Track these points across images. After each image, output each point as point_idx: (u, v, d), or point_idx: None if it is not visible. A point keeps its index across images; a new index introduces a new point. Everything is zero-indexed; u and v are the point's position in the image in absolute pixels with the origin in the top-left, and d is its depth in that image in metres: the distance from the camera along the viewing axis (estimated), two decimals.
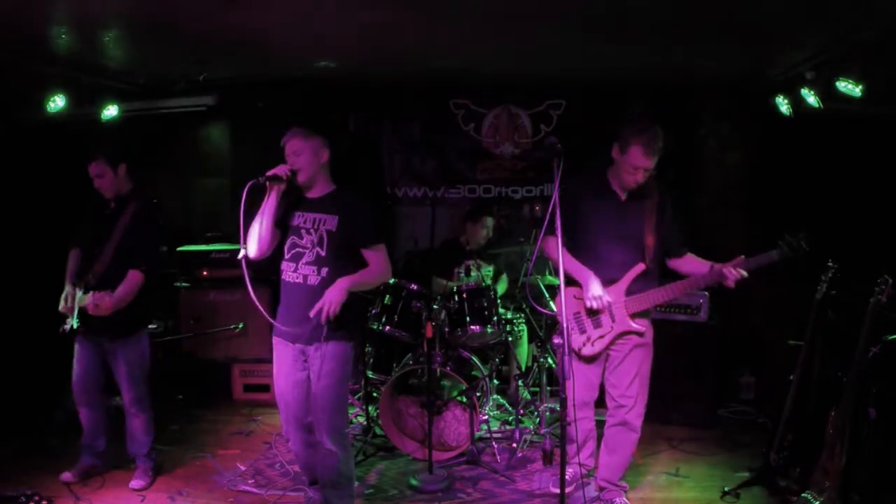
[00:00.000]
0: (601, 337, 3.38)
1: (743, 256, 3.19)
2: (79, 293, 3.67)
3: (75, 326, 3.65)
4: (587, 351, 3.41)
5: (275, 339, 3.31)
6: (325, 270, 3.17)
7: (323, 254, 3.18)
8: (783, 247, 3.17)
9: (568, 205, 2.92)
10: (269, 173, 3.10)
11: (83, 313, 3.65)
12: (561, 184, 2.77)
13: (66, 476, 3.84)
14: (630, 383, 3.42)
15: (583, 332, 3.41)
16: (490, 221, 5.33)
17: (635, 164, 3.21)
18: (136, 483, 3.85)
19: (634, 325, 3.34)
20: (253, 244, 3.15)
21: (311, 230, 3.21)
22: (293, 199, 3.28)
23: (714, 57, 4.67)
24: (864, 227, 4.67)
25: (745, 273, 3.17)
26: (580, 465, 3.50)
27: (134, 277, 3.66)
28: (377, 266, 3.25)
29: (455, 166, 6.23)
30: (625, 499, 3.57)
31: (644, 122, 3.27)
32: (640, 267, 3.31)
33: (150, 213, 3.83)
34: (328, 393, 3.18)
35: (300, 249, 3.22)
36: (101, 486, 3.82)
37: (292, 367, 3.25)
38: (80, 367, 3.82)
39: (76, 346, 3.83)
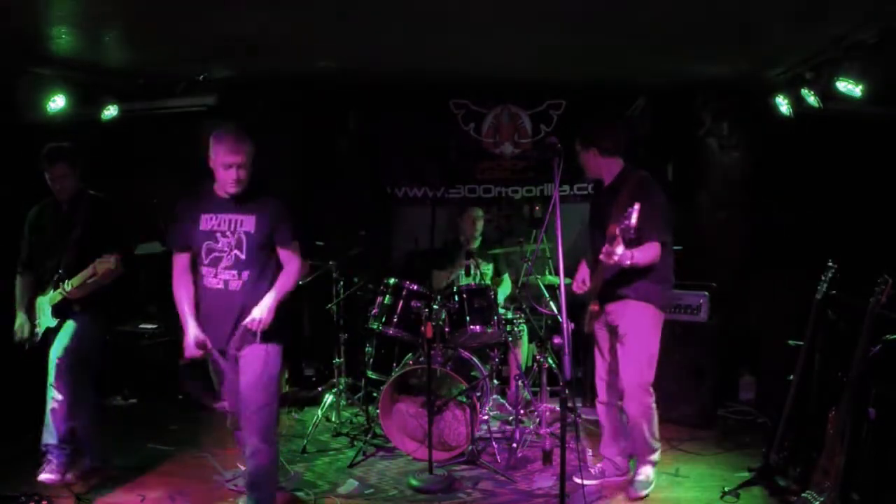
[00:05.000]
0: (590, 318, 3.72)
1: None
2: (49, 294, 3.68)
3: (53, 325, 3.67)
4: (586, 328, 3.77)
5: (214, 352, 3.20)
6: (245, 273, 3.10)
7: (242, 257, 3.09)
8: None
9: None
10: (197, 356, 3.11)
11: (56, 308, 3.67)
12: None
13: (67, 477, 3.83)
14: (624, 367, 3.61)
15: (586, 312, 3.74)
16: (477, 212, 5.38)
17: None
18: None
19: (595, 304, 3.65)
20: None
21: (228, 233, 3.10)
22: (200, 199, 3.18)
23: (714, 57, 4.67)
24: (864, 227, 4.66)
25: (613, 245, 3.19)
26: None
27: (108, 258, 3.58)
28: (294, 266, 3.20)
29: (455, 166, 6.22)
30: (648, 470, 3.71)
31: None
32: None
33: (106, 204, 3.84)
34: (257, 393, 3.10)
35: (218, 254, 3.10)
36: (101, 486, 3.82)
37: (230, 372, 3.18)
38: None
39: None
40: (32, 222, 3.88)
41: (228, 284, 3.10)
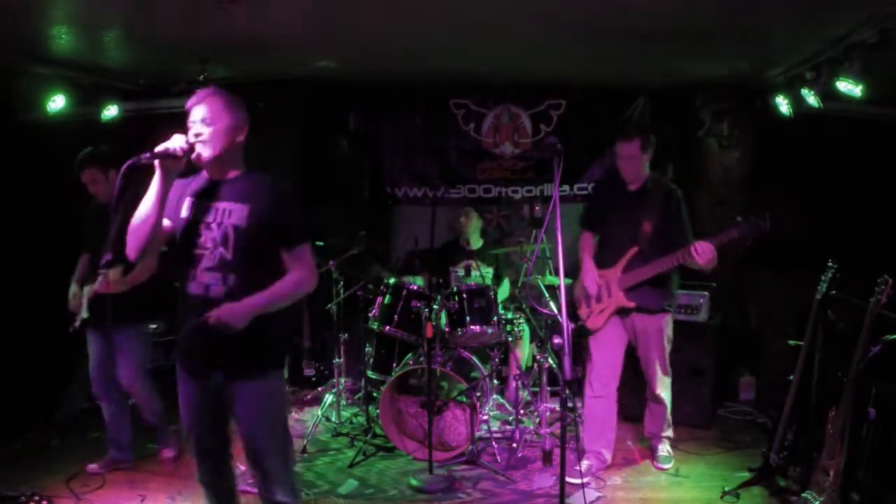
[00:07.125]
0: (602, 310, 3.84)
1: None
2: (86, 288, 3.71)
3: (86, 317, 3.70)
4: (591, 323, 3.87)
5: (178, 368, 2.59)
6: (232, 278, 2.42)
7: (229, 257, 2.42)
8: (742, 224, 3.42)
9: (595, 200, 3.74)
10: (160, 149, 2.33)
11: (92, 303, 3.68)
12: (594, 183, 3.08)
13: (93, 467, 3.89)
14: (647, 363, 3.89)
15: (589, 306, 3.90)
16: (468, 210, 5.39)
17: (618, 154, 3.77)
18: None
19: (625, 301, 3.77)
20: (133, 242, 2.40)
21: (214, 225, 2.44)
22: (191, 180, 2.58)
23: (714, 57, 4.67)
24: (864, 227, 4.67)
25: (709, 244, 3.43)
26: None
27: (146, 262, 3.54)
28: (301, 273, 2.48)
29: (455, 166, 6.24)
30: (667, 446, 4.09)
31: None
32: (634, 249, 3.73)
33: None
34: (263, 440, 2.54)
35: (199, 250, 2.44)
36: (101, 485, 3.82)
37: (205, 404, 2.53)
38: (93, 359, 3.87)
39: (88, 338, 3.86)
40: (86, 212, 3.91)
41: (210, 290, 2.43)
